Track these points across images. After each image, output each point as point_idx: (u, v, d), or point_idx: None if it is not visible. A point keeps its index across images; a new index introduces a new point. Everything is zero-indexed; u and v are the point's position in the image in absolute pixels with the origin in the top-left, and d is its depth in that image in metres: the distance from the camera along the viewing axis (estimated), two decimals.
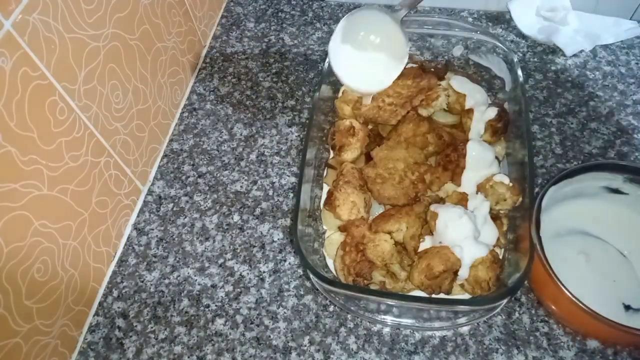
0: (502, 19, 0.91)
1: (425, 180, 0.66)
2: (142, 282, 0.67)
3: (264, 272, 0.67)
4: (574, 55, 0.85)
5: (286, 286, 0.65)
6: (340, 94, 0.77)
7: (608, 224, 0.65)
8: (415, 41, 0.84)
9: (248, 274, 0.67)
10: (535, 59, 0.85)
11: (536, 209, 0.59)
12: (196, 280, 0.66)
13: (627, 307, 0.59)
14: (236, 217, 0.72)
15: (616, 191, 0.65)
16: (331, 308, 0.63)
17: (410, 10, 0.65)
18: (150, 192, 0.75)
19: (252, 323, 0.63)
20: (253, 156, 0.78)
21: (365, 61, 0.66)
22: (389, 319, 0.60)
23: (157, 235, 0.71)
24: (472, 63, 0.79)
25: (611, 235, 0.64)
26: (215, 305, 0.64)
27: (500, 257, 0.61)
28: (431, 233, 0.61)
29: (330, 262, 0.64)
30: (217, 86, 0.87)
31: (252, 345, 0.61)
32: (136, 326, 0.63)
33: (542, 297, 0.61)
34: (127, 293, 0.66)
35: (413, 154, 0.67)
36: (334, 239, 0.65)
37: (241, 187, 0.75)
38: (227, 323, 0.63)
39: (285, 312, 0.63)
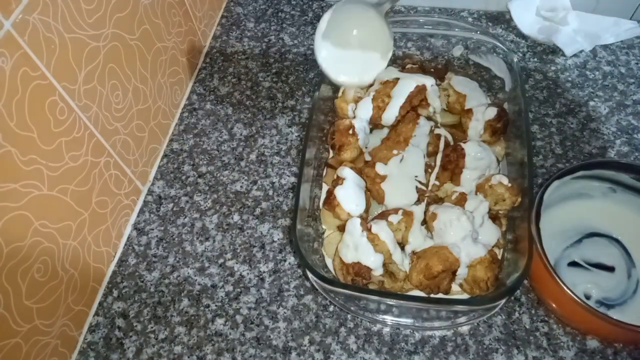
0: (502, 19, 0.91)
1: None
2: (142, 282, 0.67)
3: (264, 272, 0.67)
4: (574, 55, 0.85)
5: (286, 286, 0.65)
6: (340, 94, 0.77)
7: (613, 224, 0.65)
8: (415, 41, 0.84)
9: (248, 274, 0.67)
10: (535, 59, 0.85)
11: (537, 203, 0.59)
12: (196, 280, 0.67)
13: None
14: (236, 217, 0.72)
15: (620, 190, 0.65)
16: (331, 308, 0.63)
17: (394, 3, 0.64)
18: (150, 192, 0.75)
19: (252, 323, 0.63)
20: (253, 156, 0.78)
21: (350, 55, 0.65)
22: (388, 318, 0.60)
23: (157, 235, 0.71)
24: (472, 63, 0.79)
25: (617, 234, 0.64)
26: (215, 305, 0.64)
27: (499, 257, 0.61)
28: (430, 233, 0.61)
29: (329, 262, 0.64)
30: (217, 86, 0.87)
31: (252, 345, 0.61)
32: (136, 326, 0.64)
33: (542, 295, 0.61)
34: (127, 293, 0.66)
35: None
36: (333, 238, 0.65)
37: (241, 187, 0.75)
38: (227, 323, 0.63)
39: (285, 312, 0.63)
